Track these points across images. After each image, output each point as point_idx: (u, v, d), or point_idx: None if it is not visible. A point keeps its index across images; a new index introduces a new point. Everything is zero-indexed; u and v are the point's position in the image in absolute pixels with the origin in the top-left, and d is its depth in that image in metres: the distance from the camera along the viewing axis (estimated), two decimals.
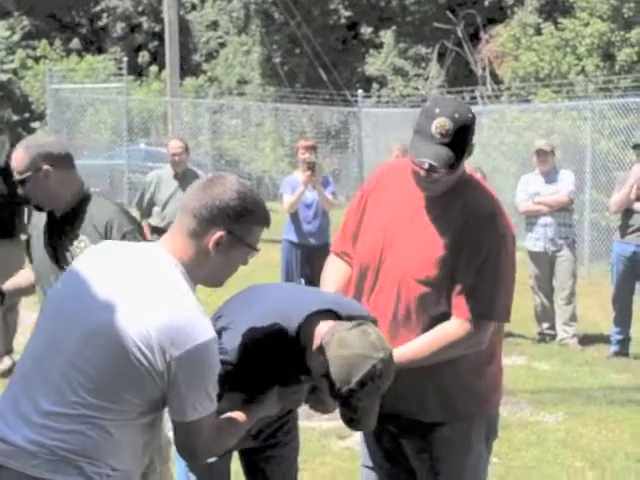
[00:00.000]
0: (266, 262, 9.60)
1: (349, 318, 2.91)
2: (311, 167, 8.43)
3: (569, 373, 8.03)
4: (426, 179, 3.09)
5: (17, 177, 3.76)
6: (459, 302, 3.13)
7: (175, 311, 2.43)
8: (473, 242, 3.11)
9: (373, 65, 27.04)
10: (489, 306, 3.14)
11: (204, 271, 2.58)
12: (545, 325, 9.12)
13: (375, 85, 25.93)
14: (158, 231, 8.47)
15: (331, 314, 2.91)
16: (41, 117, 29.60)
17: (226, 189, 2.55)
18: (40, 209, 3.86)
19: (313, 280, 8.52)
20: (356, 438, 6.01)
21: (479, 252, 3.11)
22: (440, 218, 3.17)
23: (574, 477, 5.52)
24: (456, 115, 2.99)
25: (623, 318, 8.56)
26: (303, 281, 8.51)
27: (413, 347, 3.16)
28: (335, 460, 5.71)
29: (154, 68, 29.50)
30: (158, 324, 2.40)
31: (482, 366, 3.28)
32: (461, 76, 26.01)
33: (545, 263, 8.98)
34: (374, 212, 3.32)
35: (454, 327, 3.14)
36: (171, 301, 2.45)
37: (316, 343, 2.84)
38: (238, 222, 2.55)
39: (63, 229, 3.79)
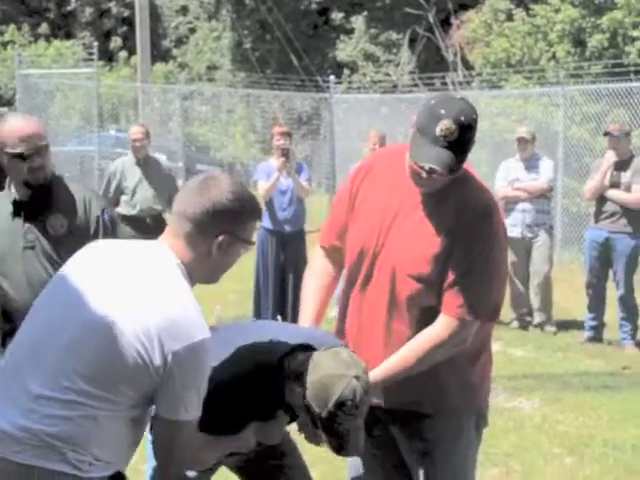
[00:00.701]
0: None
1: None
2: (285, 153, 8.39)
3: (544, 359, 8.06)
4: (425, 179, 3.04)
5: (35, 144, 3.59)
6: (448, 299, 3.11)
7: (176, 307, 2.43)
8: (465, 240, 3.07)
9: (344, 51, 26.98)
10: (477, 306, 3.11)
11: (204, 271, 2.59)
12: (521, 311, 9.16)
13: (346, 71, 25.87)
14: (127, 219, 8.42)
15: (309, 349, 2.89)
16: (10, 103, 29.26)
17: (222, 191, 2.54)
18: (30, 187, 3.70)
19: (287, 267, 8.49)
20: None
21: (471, 250, 3.08)
22: (434, 214, 3.12)
23: (552, 463, 5.54)
24: (462, 118, 2.91)
25: (597, 304, 8.61)
26: (280, 317, 8.44)
27: (399, 359, 3.14)
28: (315, 449, 5.64)
29: (123, 54, 29.29)
30: (159, 318, 2.40)
31: (475, 356, 3.27)
32: (432, 62, 26.01)
33: (522, 249, 9.03)
34: (367, 202, 3.26)
35: (438, 330, 3.11)
36: (172, 297, 2.45)
37: (291, 372, 2.82)
38: (238, 223, 2.56)
39: (35, 209, 3.70)
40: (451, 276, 3.09)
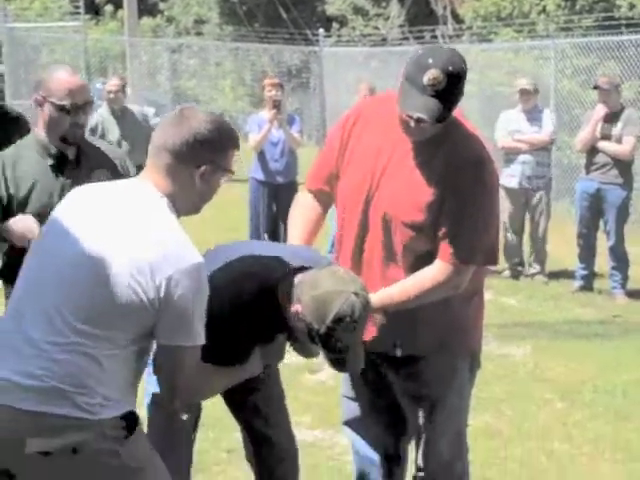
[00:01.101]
0: (231, 201, 9.56)
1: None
2: (277, 105, 8.37)
3: (535, 308, 8.12)
4: (414, 128, 3.04)
5: (84, 98, 3.56)
6: (442, 246, 3.13)
7: (166, 236, 2.44)
8: (457, 188, 3.08)
9: (333, 4, 26.71)
10: (469, 252, 3.14)
11: (187, 202, 2.59)
12: (513, 261, 9.20)
13: (335, 24, 25.66)
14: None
15: (305, 269, 2.91)
16: None
17: (201, 121, 2.54)
18: (66, 143, 3.64)
19: (279, 218, 8.50)
20: (327, 372, 6.03)
21: (462, 198, 3.08)
22: (426, 163, 3.13)
23: (544, 409, 5.60)
24: (450, 67, 2.91)
25: (587, 254, 8.66)
26: (266, 236, 8.47)
27: (395, 291, 3.16)
28: (307, 394, 5.73)
29: (110, 8, 28.97)
30: (150, 251, 2.40)
31: (468, 298, 3.29)
32: (422, 15, 25.79)
33: (519, 200, 9.04)
34: (358, 150, 3.26)
35: (435, 271, 3.14)
36: (162, 227, 2.46)
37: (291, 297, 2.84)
38: (218, 151, 2.57)
39: (75, 168, 3.65)
40: (445, 224, 3.10)
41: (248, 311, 2.82)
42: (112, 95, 8.77)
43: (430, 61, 2.92)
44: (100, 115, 8.81)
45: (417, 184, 3.11)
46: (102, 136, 8.54)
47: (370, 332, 3.24)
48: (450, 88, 2.92)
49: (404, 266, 3.19)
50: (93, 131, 8.59)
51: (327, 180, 3.37)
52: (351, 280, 2.83)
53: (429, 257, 3.15)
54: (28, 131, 3.86)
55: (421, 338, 3.27)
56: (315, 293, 2.77)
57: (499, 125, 9.24)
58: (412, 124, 3.00)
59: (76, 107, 3.52)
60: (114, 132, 8.66)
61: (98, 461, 2.40)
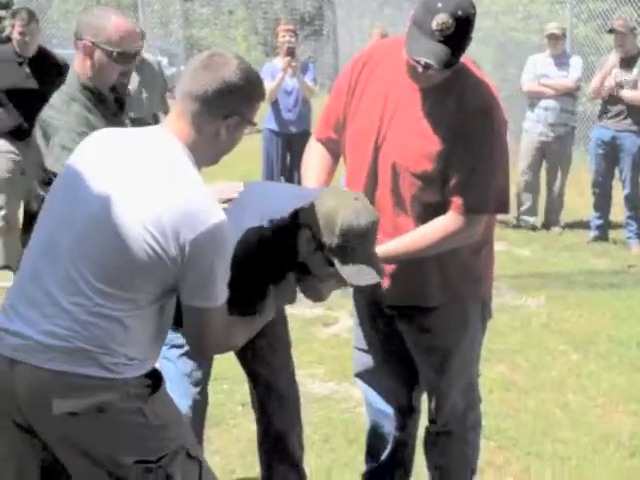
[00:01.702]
0: (245, 151, 9.52)
1: None
2: (291, 52, 8.27)
3: (550, 258, 8.10)
4: (421, 74, 3.00)
5: (137, 46, 3.53)
6: (452, 196, 3.10)
7: (186, 194, 2.38)
8: (465, 136, 3.04)
9: None
10: (481, 200, 3.11)
11: (208, 154, 2.53)
12: (526, 205, 9.09)
13: None
14: (134, 122, 8.34)
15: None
16: (6, 6, 28.81)
17: (232, 69, 2.45)
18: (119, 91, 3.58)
19: (293, 168, 8.47)
20: (341, 325, 6.06)
21: (471, 146, 3.04)
22: (434, 111, 3.08)
23: (559, 360, 5.60)
24: (459, 12, 2.85)
25: (602, 203, 8.62)
26: (283, 179, 8.46)
27: (406, 241, 3.14)
28: (321, 347, 5.75)
29: None
30: (170, 207, 2.34)
31: (478, 247, 3.28)
32: None
33: (540, 145, 8.95)
34: (366, 96, 3.21)
35: (447, 221, 3.12)
36: (181, 184, 2.40)
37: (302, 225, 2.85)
38: (247, 102, 2.51)
39: (120, 115, 3.59)
40: (454, 174, 3.07)
41: (261, 251, 2.84)
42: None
43: (439, 5, 2.86)
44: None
45: (425, 133, 3.08)
46: None
47: (381, 283, 3.25)
48: (459, 33, 2.87)
49: (413, 216, 3.16)
50: None
51: (335, 127, 3.33)
52: (352, 194, 2.87)
53: (439, 208, 3.13)
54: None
55: (431, 288, 3.26)
56: (320, 211, 2.79)
57: (526, 69, 9.11)
58: (420, 69, 2.96)
59: (129, 55, 3.40)
60: (133, 82, 8.55)
61: (122, 419, 2.41)
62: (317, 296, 3.07)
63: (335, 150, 3.37)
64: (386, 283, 3.24)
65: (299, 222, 2.84)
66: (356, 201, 2.81)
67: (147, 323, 2.45)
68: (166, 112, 8.73)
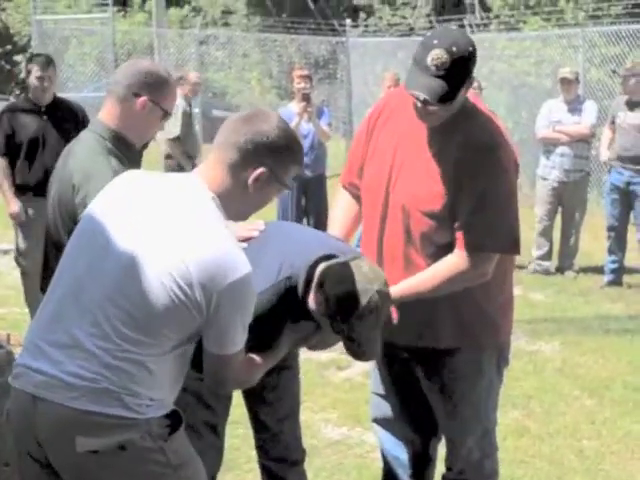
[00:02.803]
0: None
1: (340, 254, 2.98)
2: (307, 98, 8.34)
3: (564, 303, 8.08)
4: (422, 111, 3.06)
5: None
6: (459, 234, 3.13)
7: (214, 246, 2.43)
8: (473, 174, 3.08)
9: None
10: (488, 238, 3.13)
11: (237, 206, 2.57)
12: (541, 251, 9.08)
13: (362, 14, 25.56)
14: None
15: (332, 257, 2.95)
16: (24, 49, 29.10)
17: (272, 125, 2.54)
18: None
19: (308, 211, 8.50)
20: (355, 369, 6.05)
21: (477, 185, 3.08)
22: (442, 150, 3.14)
23: (573, 406, 5.58)
24: (454, 48, 2.94)
25: (617, 247, 8.61)
26: (306, 221, 8.51)
27: (417, 281, 3.17)
28: (335, 391, 5.74)
29: None
30: (198, 259, 2.39)
31: (495, 293, 3.29)
32: (449, 4, 25.65)
33: (556, 193, 8.95)
34: (381, 142, 3.29)
35: (455, 260, 3.14)
36: (209, 235, 2.44)
37: (313, 284, 2.89)
38: (280, 160, 2.55)
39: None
40: (462, 212, 3.10)
41: (275, 306, 2.90)
42: (193, 87, 9.41)
43: (435, 42, 2.97)
44: (180, 105, 9.10)
45: (434, 172, 3.13)
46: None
47: (397, 328, 3.26)
48: (454, 68, 2.94)
49: (425, 257, 3.19)
50: (185, 115, 9.19)
51: (358, 173, 3.40)
52: (375, 277, 2.86)
53: (450, 249, 3.16)
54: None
55: (444, 329, 3.27)
56: (339, 289, 2.81)
57: (540, 115, 9.14)
58: (419, 105, 3.03)
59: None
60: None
61: (143, 457, 2.45)
62: (323, 346, 3.11)
63: (359, 197, 3.43)
64: (398, 322, 3.25)
65: (315, 277, 2.87)
66: (377, 294, 2.82)
67: (170, 367, 2.49)
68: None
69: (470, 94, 3.18)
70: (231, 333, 2.48)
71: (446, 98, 2.98)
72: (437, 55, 2.93)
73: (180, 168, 9.05)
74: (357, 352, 2.93)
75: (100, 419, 2.39)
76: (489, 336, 3.35)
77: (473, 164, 3.08)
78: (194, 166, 8.56)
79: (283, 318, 2.95)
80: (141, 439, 2.43)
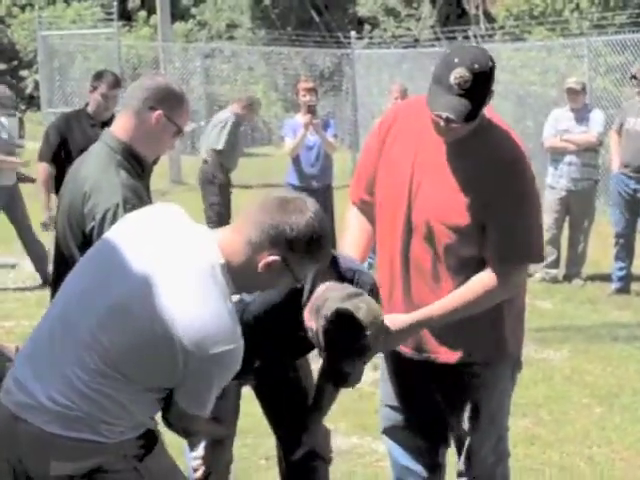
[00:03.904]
0: None
1: (347, 271, 3.02)
2: (312, 110, 8.37)
3: (572, 311, 8.07)
4: (444, 128, 3.05)
5: None
6: (493, 249, 3.12)
7: (206, 314, 2.39)
8: (501, 188, 3.08)
9: (365, 6, 26.68)
10: (521, 250, 3.14)
11: (244, 281, 2.51)
12: (549, 259, 9.06)
13: (367, 26, 25.64)
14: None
15: (332, 262, 2.93)
16: (29, 65, 29.24)
17: (303, 221, 2.44)
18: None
19: None
20: (364, 378, 5.99)
21: (507, 198, 3.08)
22: (464, 164, 3.13)
23: (583, 413, 5.57)
24: (475, 65, 2.93)
25: (625, 254, 8.60)
26: None
27: (450, 301, 3.16)
28: (344, 400, 5.69)
29: (143, 14, 29.13)
30: (186, 323, 2.37)
31: (512, 302, 3.29)
32: (454, 15, 25.74)
33: (564, 201, 8.93)
34: (394, 156, 3.26)
35: (490, 275, 3.13)
36: (203, 302, 2.40)
37: (311, 303, 2.88)
38: (298, 256, 2.47)
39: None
40: (493, 227, 3.10)
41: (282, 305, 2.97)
42: (247, 111, 9.60)
43: (456, 60, 2.95)
44: (230, 120, 9.47)
45: (457, 187, 3.12)
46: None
47: (411, 340, 3.26)
48: (477, 86, 2.94)
49: (451, 270, 3.18)
50: (236, 127, 9.47)
51: (367, 189, 3.38)
52: (371, 322, 2.83)
53: (475, 261, 3.16)
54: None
55: (461, 345, 3.27)
56: (331, 330, 2.80)
57: (547, 125, 9.14)
58: (442, 124, 3.02)
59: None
60: (239, 138, 9.61)
61: (118, 479, 2.47)
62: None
63: (370, 214, 3.40)
64: (415, 338, 3.26)
65: (314, 297, 2.88)
66: (369, 338, 2.80)
67: (147, 405, 2.50)
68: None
69: (489, 111, 3.18)
70: (202, 396, 2.48)
71: (471, 117, 2.98)
72: (460, 74, 2.92)
73: (213, 176, 9.34)
74: (337, 380, 2.98)
75: (72, 444, 2.41)
76: (504, 348, 3.34)
77: (500, 178, 3.09)
78: (227, 178, 9.31)
79: (287, 316, 2.96)
80: (114, 462, 2.44)
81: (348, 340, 2.80)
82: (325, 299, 2.82)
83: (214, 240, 2.49)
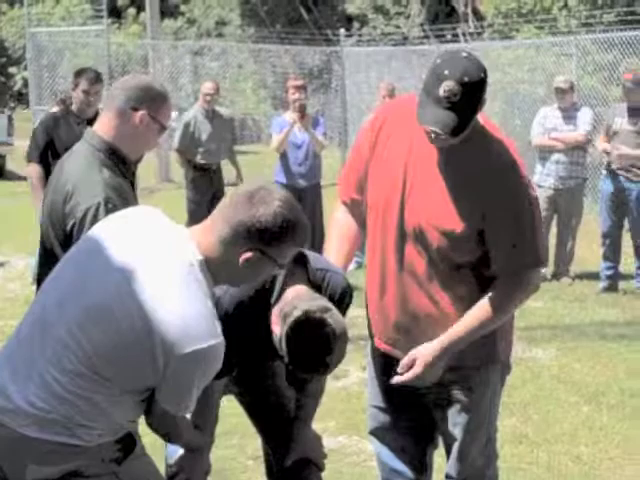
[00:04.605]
0: None
1: (317, 272, 3.00)
2: (302, 109, 8.35)
3: (560, 310, 8.08)
4: (434, 139, 3.03)
5: None
6: (505, 261, 3.10)
7: (185, 310, 2.38)
8: (501, 194, 3.06)
9: (353, 3, 26.67)
10: (536, 253, 3.12)
11: (227, 275, 2.52)
12: None
13: (356, 24, 25.64)
14: (199, 168, 9.24)
15: (302, 261, 2.93)
16: (18, 62, 29.19)
17: (270, 211, 2.42)
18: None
19: None
20: (351, 378, 6.05)
21: (509, 204, 3.07)
22: (459, 169, 3.10)
23: (570, 412, 5.58)
24: (465, 78, 2.89)
25: (612, 253, 8.61)
26: None
27: (472, 318, 3.14)
28: (331, 400, 5.71)
29: (132, 11, 29.09)
30: (165, 321, 2.35)
31: None
32: (442, 13, 25.76)
33: (551, 200, 8.95)
34: (386, 157, 3.23)
35: (507, 285, 3.11)
36: (183, 299, 2.40)
37: (279, 307, 2.85)
38: (274, 245, 2.47)
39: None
40: (500, 235, 3.07)
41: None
42: (209, 98, 9.25)
43: (446, 72, 2.91)
44: (193, 115, 9.33)
45: (451, 191, 3.09)
46: (193, 134, 9.17)
47: (399, 340, 3.26)
48: (466, 99, 2.90)
49: (444, 275, 3.16)
50: (186, 127, 9.21)
51: (358, 188, 3.35)
52: (335, 339, 2.75)
53: (469, 267, 3.15)
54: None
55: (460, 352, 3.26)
56: (294, 344, 2.74)
57: (535, 122, 9.14)
58: (432, 136, 3.00)
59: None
60: (206, 132, 9.21)
61: None
62: None
63: (359, 214, 3.38)
64: (405, 342, 3.25)
65: (282, 301, 2.85)
66: (333, 356, 2.75)
67: (126, 408, 2.48)
68: (233, 161, 9.60)
69: (482, 117, 3.14)
70: (184, 395, 2.46)
71: (458, 130, 2.95)
72: (448, 87, 2.88)
73: (186, 173, 9.44)
74: (297, 388, 2.98)
75: (49, 447, 2.40)
76: (497, 350, 3.33)
77: (499, 184, 3.06)
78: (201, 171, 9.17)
79: (256, 314, 2.93)
80: (92, 465, 2.43)
81: (309, 352, 2.74)
82: (293, 307, 2.78)
83: (191, 237, 2.49)
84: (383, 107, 3.46)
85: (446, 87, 2.89)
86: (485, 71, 2.99)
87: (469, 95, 2.91)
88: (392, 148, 3.22)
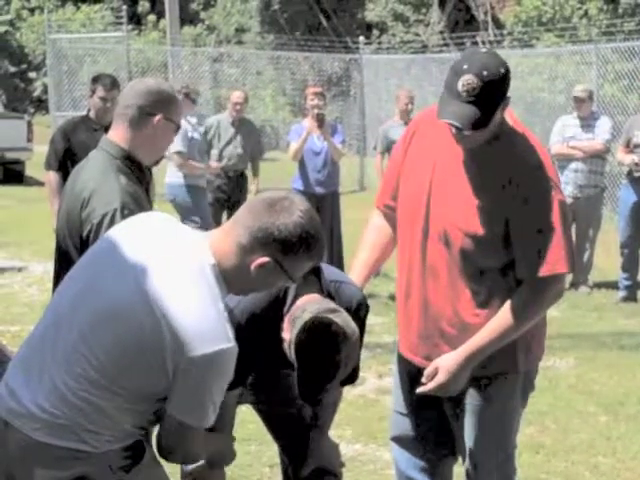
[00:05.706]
0: None
1: (329, 283, 2.98)
2: (321, 118, 8.32)
3: (578, 319, 8.05)
4: (458, 136, 3.02)
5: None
6: (532, 261, 3.06)
7: (196, 313, 2.36)
8: (528, 196, 3.03)
9: (373, 11, 26.70)
10: (562, 257, 3.08)
11: (240, 283, 2.49)
12: None
13: (375, 31, 25.66)
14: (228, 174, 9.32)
15: (315, 273, 2.91)
16: (38, 68, 29.36)
17: (291, 221, 2.40)
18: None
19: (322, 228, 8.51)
20: (368, 385, 6.04)
21: (536, 206, 3.04)
22: (485, 173, 3.08)
23: (588, 422, 5.55)
24: (484, 72, 2.87)
25: (631, 263, 8.59)
26: None
27: (499, 324, 3.11)
28: (349, 408, 5.71)
29: (152, 17, 29.20)
30: (177, 324, 2.34)
31: None
32: (462, 21, 25.75)
33: (570, 207, 8.88)
34: (416, 160, 3.24)
35: (536, 289, 3.08)
36: (194, 301, 2.38)
37: (290, 314, 2.84)
38: (290, 256, 2.44)
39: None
40: (526, 239, 3.05)
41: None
42: (238, 107, 9.42)
43: (465, 67, 2.90)
44: (217, 120, 9.53)
45: (477, 194, 3.07)
46: (212, 137, 9.34)
47: (423, 348, 3.25)
48: (486, 93, 2.88)
49: (467, 279, 3.14)
50: (207, 130, 9.32)
51: (392, 194, 3.36)
52: (341, 338, 2.73)
53: (493, 272, 3.12)
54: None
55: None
56: (302, 338, 2.72)
57: (554, 131, 9.11)
58: (454, 131, 2.98)
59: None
60: (225, 137, 9.37)
61: None
62: None
63: (393, 217, 3.38)
64: (424, 350, 3.25)
65: (293, 310, 2.83)
66: (342, 359, 2.71)
67: (135, 415, 2.45)
68: (255, 168, 9.68)
69: (508, 112, 3.10)
70: (197, 404, 2.41)
71: (479, 124, 2.91)
72: (467, 80, 2.86)
73: None
74: (309, 400, 2.90)
75: (58, 452, 2.39)
76: (517, 361, 3.26)
77: (526, 186, 3.03)
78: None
79: (269, 325, 2.91)
80: (99, 472, 2.41)
81: (317, 352, 2.71)
82: (302, 310, 2.77)
83: (205, 242, 2.48)
84: (416, 116, 3.47)
85: (465, 81, 2.88)
86: (506, 66, 2.96)
87: (489, 89, 2.88)
88: (421, 153, 3.22)
